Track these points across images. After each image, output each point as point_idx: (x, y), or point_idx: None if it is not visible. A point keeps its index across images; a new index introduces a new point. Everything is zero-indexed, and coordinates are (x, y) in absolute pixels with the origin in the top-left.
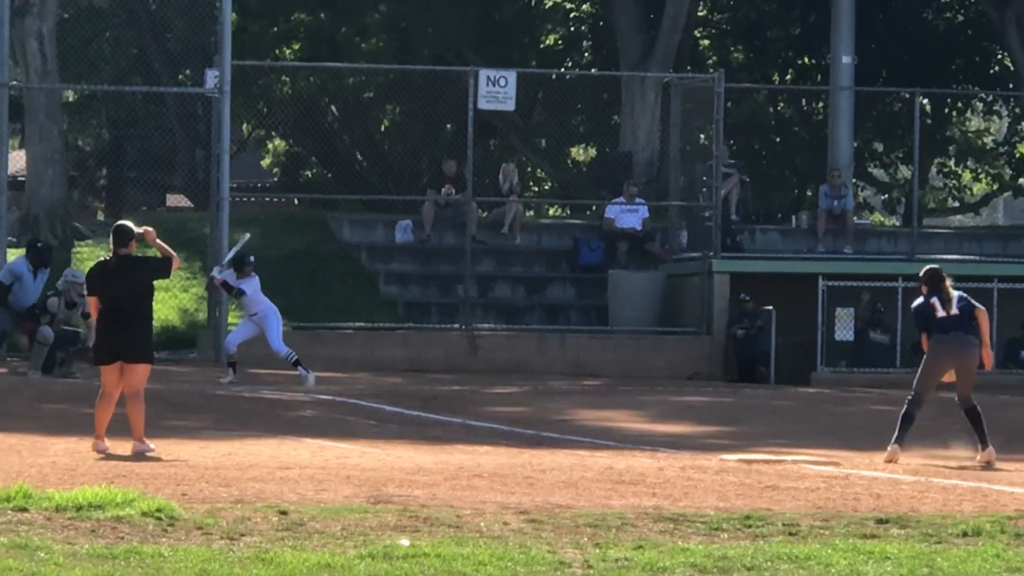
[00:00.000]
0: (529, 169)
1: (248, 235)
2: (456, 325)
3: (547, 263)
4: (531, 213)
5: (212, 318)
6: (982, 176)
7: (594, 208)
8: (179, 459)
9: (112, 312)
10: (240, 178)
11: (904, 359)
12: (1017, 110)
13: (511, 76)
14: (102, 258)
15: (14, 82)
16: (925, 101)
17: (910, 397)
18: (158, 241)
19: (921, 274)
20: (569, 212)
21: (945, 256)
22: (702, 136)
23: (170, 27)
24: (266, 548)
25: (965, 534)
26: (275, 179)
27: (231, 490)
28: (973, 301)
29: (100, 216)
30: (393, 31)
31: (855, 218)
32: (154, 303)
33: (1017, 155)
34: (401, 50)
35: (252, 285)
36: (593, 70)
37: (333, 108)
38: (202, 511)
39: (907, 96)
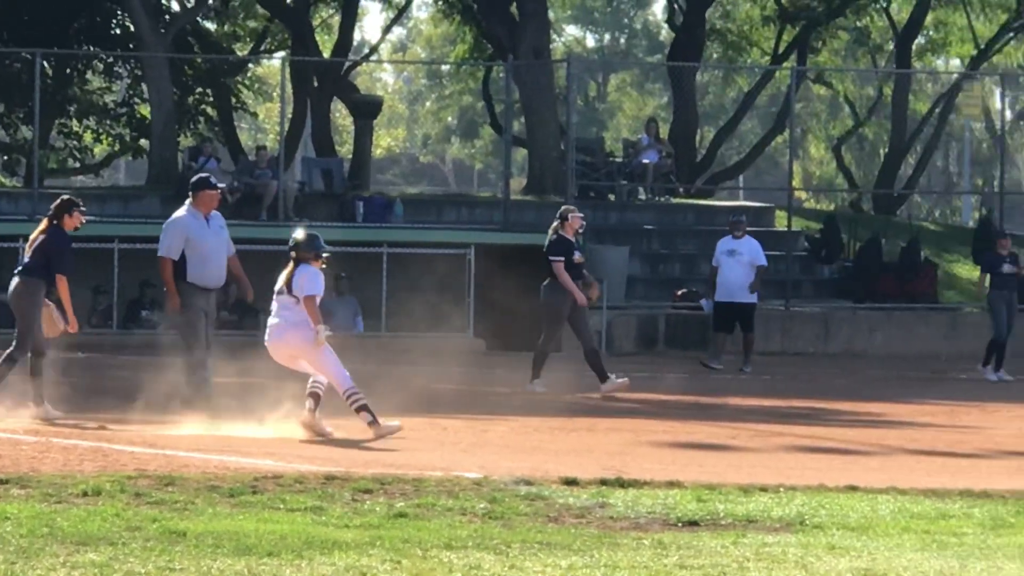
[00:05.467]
0: None
1: None
2: None
3: None
4: None
5: None
6: (103, 137)
7: None
8: None
9: None
10: None
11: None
12: (137, 71)
13: None
14: None
15: None
16: (46, 63)
17: None
18: None
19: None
20: None
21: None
22: None
23: None
24: None
25: (86, 493)
26: None
27: None
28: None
29: None
30: None
31: None
32: None
33: (138, 116)
34: None
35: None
36: None
37: None
38: None
39: (28, 57)
